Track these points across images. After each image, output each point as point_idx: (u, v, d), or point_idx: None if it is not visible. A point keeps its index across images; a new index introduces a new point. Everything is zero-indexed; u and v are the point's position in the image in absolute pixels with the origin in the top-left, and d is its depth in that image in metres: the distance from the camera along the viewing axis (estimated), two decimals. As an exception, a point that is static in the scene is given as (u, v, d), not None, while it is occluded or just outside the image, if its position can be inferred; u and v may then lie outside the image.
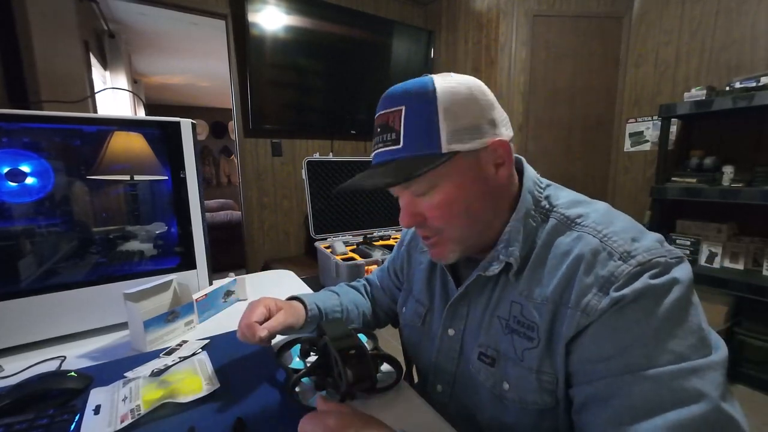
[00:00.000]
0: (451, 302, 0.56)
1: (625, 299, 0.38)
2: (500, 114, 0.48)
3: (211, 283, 0.86)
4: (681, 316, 0.38)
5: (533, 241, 0.48)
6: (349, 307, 0.73)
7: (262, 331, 0.55)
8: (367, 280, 0.84)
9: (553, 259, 0.46)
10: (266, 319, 0.58)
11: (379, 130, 0.48)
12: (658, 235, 0.43)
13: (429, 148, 0.44)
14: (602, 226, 0.44)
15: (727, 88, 1.71)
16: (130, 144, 0.79)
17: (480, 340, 0.52)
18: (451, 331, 0.57)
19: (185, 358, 0.62)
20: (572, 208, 0.48)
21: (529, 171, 0.53)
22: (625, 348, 0.38)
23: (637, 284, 0.38)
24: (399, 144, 0.45)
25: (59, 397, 0.53)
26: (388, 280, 0.78)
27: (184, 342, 0.69)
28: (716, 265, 1.81)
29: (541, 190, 0.52)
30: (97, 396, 0.53)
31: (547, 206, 0.50)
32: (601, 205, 0.49)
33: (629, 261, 0.40)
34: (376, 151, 0.48)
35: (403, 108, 0.45)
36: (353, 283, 0.82)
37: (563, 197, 0.51)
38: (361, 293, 0.80)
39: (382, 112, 0.47)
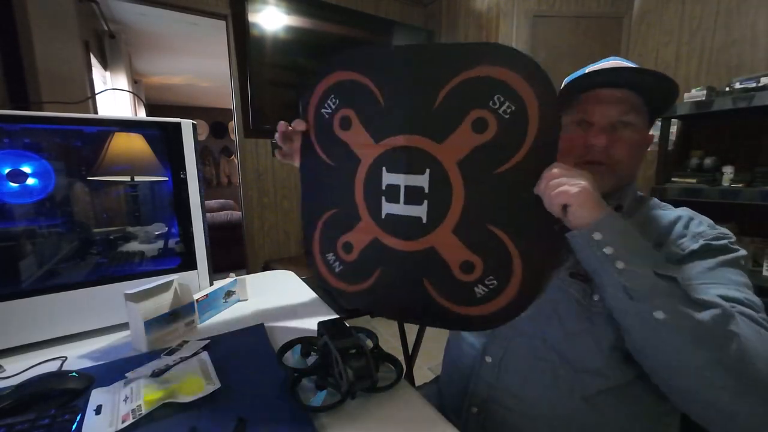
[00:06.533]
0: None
1: (713, 246, 0.53)
2: None
3: (211, 284, 0.86)
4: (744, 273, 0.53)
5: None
6: None
7: None
8: None
9: (656, 219, 0.60)
10: None
11: (611, 62, 0.64)
12: None
13: None
14: (691, 211, 0.61)
15: (727, 89, 1.70)
16: (130, 145, 0.80)
17: (568, 264, 0.59)
18: None
19: (186, 358, 0.62)
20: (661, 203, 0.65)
21: None
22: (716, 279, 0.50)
23: (719, 243, 0.53)
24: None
25: (60, 398, 0.53)
26: None
27: (185, 342, 0.70)
28: (716, 265, 1.81)
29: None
30: (98, 396, 0.53)
31: (641, 196, 0.67)
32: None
33: (715, 230, 0.56)
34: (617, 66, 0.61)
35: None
36: None
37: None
38: None
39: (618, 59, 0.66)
